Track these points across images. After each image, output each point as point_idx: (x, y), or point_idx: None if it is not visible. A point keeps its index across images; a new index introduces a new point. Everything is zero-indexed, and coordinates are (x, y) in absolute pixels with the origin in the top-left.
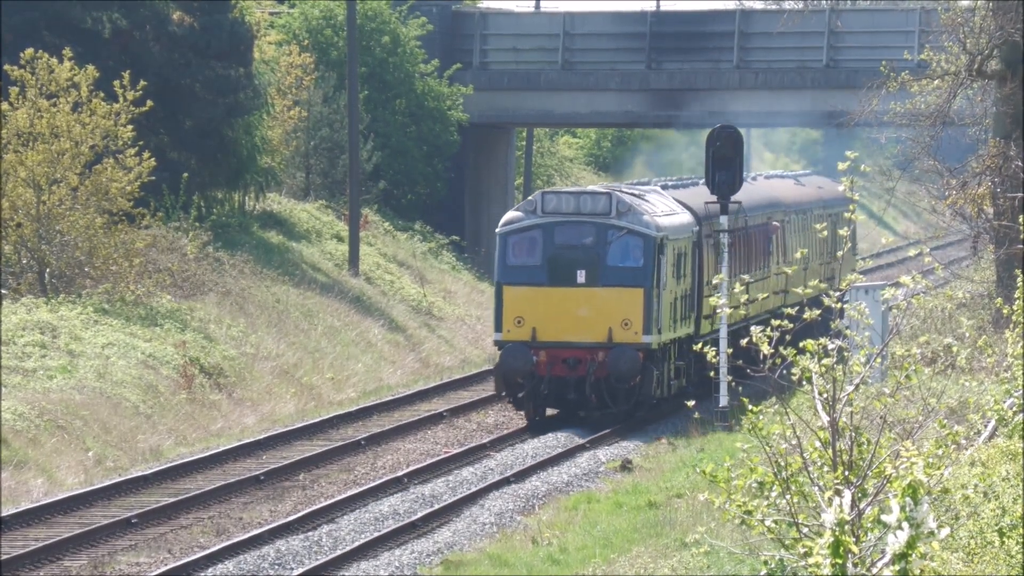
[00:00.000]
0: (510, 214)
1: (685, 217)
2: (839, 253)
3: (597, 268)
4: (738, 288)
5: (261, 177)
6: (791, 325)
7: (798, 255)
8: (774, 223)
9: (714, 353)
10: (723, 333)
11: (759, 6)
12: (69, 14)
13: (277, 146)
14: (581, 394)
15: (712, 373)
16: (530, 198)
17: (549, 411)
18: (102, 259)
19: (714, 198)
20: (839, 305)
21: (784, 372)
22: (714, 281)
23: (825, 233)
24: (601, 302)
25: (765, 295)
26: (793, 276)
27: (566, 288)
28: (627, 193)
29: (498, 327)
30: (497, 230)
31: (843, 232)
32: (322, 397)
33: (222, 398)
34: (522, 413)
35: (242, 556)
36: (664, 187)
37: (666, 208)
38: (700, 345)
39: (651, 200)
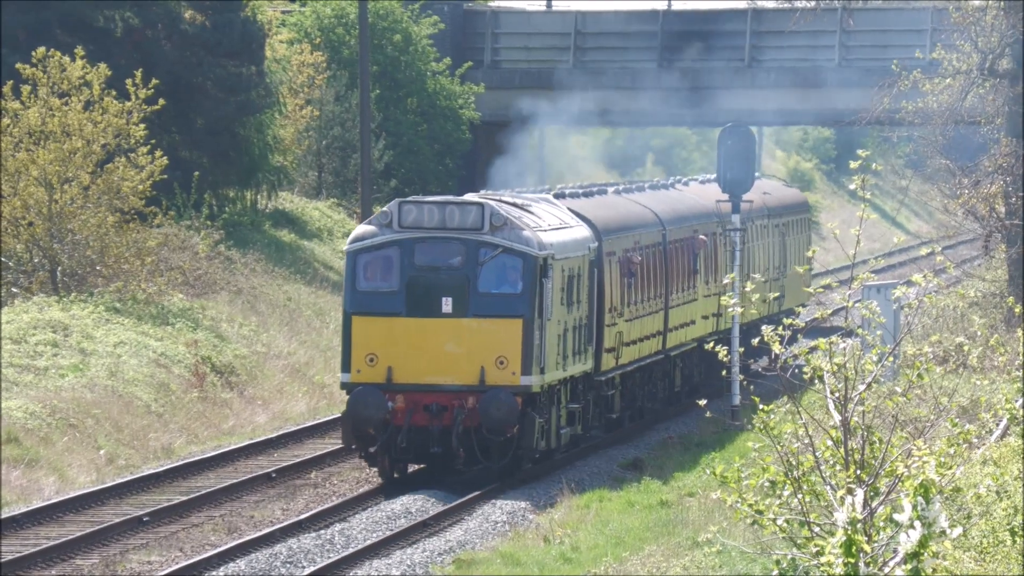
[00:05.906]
0: (361, 228)
1: (580, 232)
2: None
3: (466, 295)
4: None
5: (273, 175)
6: (802, 324)
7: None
8: (701, 237)
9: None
10: (735, 332)
11: (771, 5)
12: (81, 13)
13: (289, 145)
14: (447, 447)
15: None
16: (384, 209)
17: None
18: (114, 258)
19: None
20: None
21: (795, 371)
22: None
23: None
24: (471, 336)
25: (690, 321)
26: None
27: (428, 319)
28: (507, 203)
29: (345, 367)
30: (345, 247)
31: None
32: (334, 395)
33: (234, 397)
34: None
35: (254, 555)
36: (558, 195)
37: (555, 221)
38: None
39: (537, 212)
